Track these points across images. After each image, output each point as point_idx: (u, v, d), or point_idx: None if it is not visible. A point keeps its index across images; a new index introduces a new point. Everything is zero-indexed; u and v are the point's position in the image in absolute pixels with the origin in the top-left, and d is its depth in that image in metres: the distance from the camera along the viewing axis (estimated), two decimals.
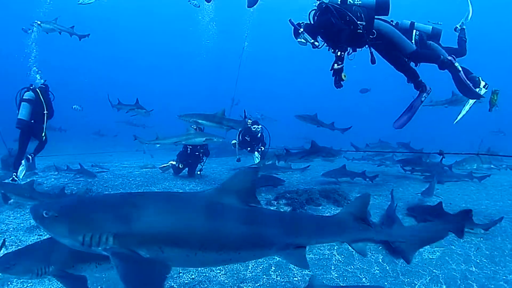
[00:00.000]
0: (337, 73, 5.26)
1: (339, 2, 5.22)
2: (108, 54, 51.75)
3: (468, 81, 5.29)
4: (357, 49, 5.66)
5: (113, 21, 47.21)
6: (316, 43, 5.33)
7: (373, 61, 5.58)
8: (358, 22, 5.08)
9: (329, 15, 5.07)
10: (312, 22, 5.40)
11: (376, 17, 5.34)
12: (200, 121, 6.64)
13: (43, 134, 6.94)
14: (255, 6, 8.22)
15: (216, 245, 2.15)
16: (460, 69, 5.29)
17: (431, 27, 5.71)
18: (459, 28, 6.18)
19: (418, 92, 5.72)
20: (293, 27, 5.37)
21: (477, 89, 5.49)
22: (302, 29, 5.29)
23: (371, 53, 5.48)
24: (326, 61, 5.63)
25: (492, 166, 9.31)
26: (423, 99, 5.67)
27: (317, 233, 2.71)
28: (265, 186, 7.51)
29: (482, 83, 5.52)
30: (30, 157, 7.00)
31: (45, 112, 6.96)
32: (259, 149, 10.29)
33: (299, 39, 5.35)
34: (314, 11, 5.34)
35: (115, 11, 45.97)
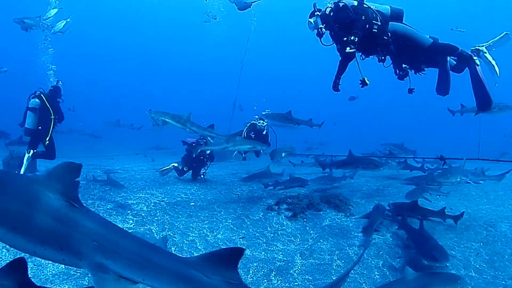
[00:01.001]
0: (348, 58, 5.33)
1: (355, 4, 5.30)
2: (107, 56, 51.64)
3: (486, 83, 5.22)
4: (369, 55, 5.71)
5: (111, 22, 47.13)
6: (323, 29, 5.38)
7: (382, 60, 5.70)
8: (373, 21, 5.16)
9: (347, 11, 5.18)
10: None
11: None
12: (166, 119, 6.75)
13: (47, 139, 6.99)
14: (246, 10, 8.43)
15: (24, 231, 2.02)
16: (479, 63, 5.25)
17: (428, 35, 5.74)
18: (474, 49, 6.06)
19: (468, 70, 5.42)
20: (313, 9, 5.46)
21: (482, 50, 5.42)
22: (318, 13, 5.36)
23: (383, 54, 5.60)
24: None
25: (468, 180, 8.72)
26: (478, 63, 5.34)
27: (146, 266, 2.14)
28: (294, 187, 7.63)
29: (479, 47, 5.48)
30: (28, 153, 6.92)
31: (52, 117, 7.03)
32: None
33: (310, 19, 5.42)
34: (330, 8, 5.40)
35: (113, 12, 46.08)
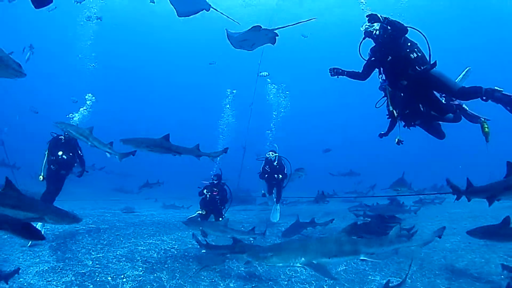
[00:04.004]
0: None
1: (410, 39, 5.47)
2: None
3: None
4: (393, 82, 5.61)
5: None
6: (377, 33, 5.31)
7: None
8: (415, 50, 5.28)
9: (400, 36, 5.29)
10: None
11: None
12: (70, 130, 6.98)
13: (41, 173, 7.13)
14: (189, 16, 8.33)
15: None
16: (502, 89, 5.08)
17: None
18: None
19: (498, 101, 5.16)
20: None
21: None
22: (382, 20, 5.32)
23: (406, 89, 5.54)
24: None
25: None
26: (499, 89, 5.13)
27: None
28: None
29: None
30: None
31: (45, 151, 7.27)
32: (279, 197, 10.07)
33: (374, 22, 5.36)
34: (390, 29, 5.35)
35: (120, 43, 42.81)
